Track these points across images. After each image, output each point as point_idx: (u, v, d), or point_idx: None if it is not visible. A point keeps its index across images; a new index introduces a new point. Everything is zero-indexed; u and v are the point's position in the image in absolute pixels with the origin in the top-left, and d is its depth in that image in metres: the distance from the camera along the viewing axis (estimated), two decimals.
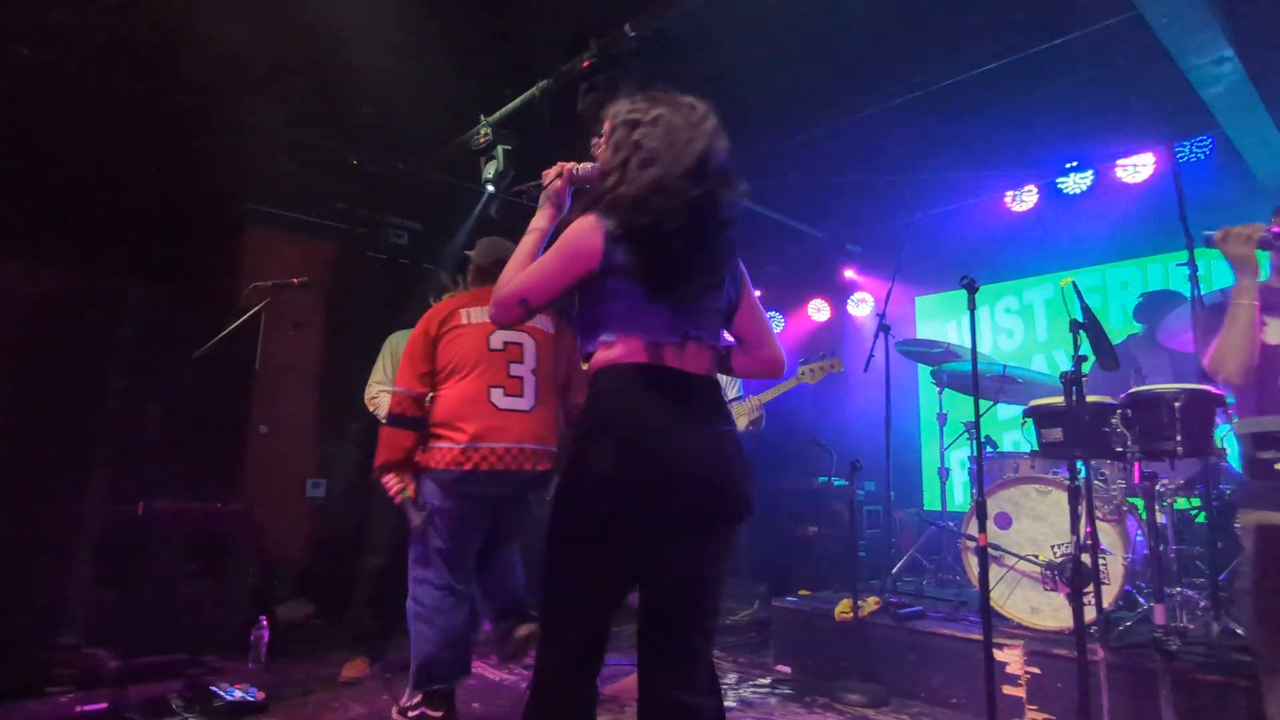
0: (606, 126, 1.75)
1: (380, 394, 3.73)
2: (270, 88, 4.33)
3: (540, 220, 1.78)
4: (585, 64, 4.01)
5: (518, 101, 4.55)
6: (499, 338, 2.84)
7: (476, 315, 2.88)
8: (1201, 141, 4.74)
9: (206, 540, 3.91)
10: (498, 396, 2.77)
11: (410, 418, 2.77)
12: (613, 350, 1.63)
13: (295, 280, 3.45)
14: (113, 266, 4.66)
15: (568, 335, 3.03)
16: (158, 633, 3.52)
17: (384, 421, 2.86)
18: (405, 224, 5.93)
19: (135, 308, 4.00)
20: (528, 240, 1.75)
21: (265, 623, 3.90)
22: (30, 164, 4.22)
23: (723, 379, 4.76)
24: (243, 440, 4.66)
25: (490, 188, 4.78)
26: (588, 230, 1.63)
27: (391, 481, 2.77)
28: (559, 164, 1.79)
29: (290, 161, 4.99)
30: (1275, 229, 2.28)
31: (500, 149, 4.70)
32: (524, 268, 1.69)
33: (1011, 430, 5.83)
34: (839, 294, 7.11)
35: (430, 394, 2.82)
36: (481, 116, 4.75)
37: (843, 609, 3.73)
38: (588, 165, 1.77)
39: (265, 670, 3.78)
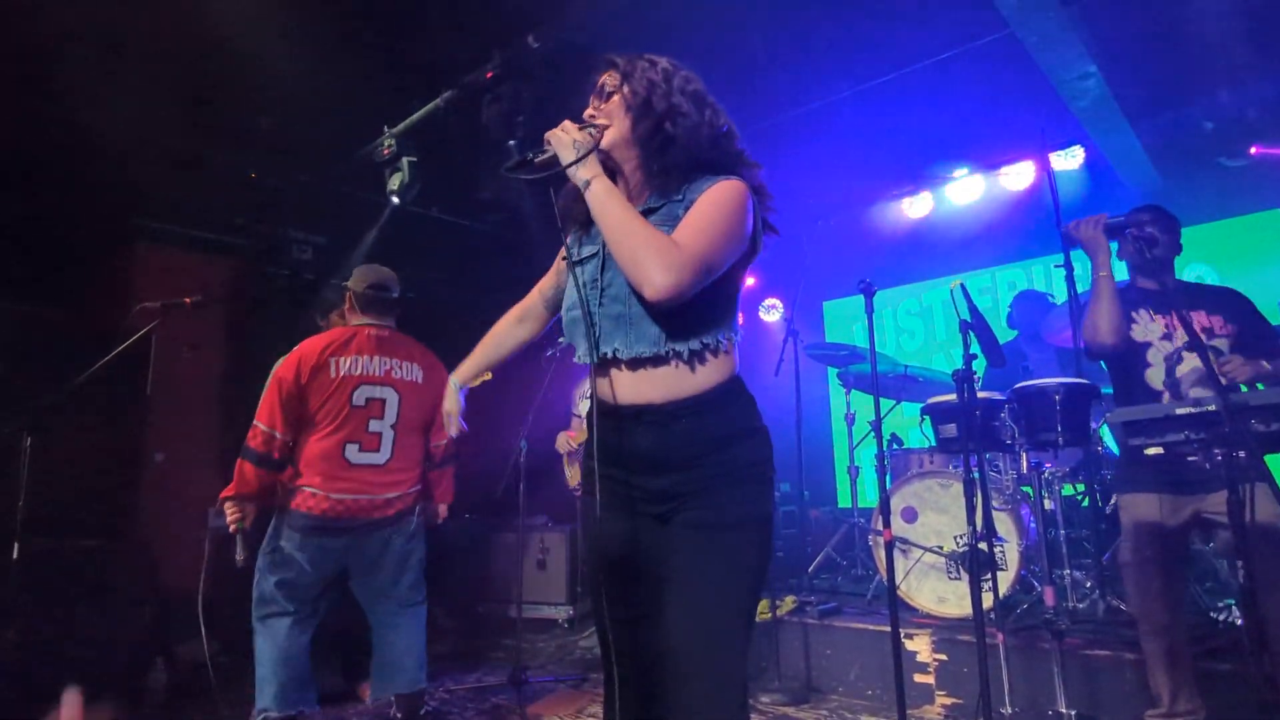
0: (608, 78, 1.61)
1: None
2: (160, 96, 4.12)
3: (592, 170, 1.49)
4: (488, 75, 3.99)
5: (422, 113, 4.47)
6: (362, 394, 2.96)
7: (345, 366, 2.95)
8: (1074, 151, 5.08)
9: (93, 579, 3.66)
10: (353, 452, 2.91)
11: (270, 458, 2.82)
12: (737, 354, 1.54)
13: (188, 300, 3.28)
14: None
15: (438, 374, 3.14)
16: (39, 682, 3.27)
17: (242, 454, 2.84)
18: (309, 238, 5.73)
19: (6, 332, 3.73)
20: (608, 192, 1.47)
21: (163, 664, 3.69)
22: None
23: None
24: (136, 470, 4.40)
25: (395, 199, 4.68)
26: (745, 192, 1.50)
27: (232, 511, 2.79)
28: (566, 123, 1.55)
29: (182, 174, 4.76)
30: (1116, 218, 2.55)
31: (405, 160, 4.61)
32: (646, 225, 1.43)
33: (916, 427, 6.08)
34: (748, 300, 7.26)
35: (290, 439, 2.87)
36: (385, 128, 4.64)
37: (760, 610, 3.80)
38: (598, 124, 1.58)
39: (163, 715, 3.57)
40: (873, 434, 3.09)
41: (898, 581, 3.54)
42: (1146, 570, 2.49)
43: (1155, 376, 2.53)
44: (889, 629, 2.65)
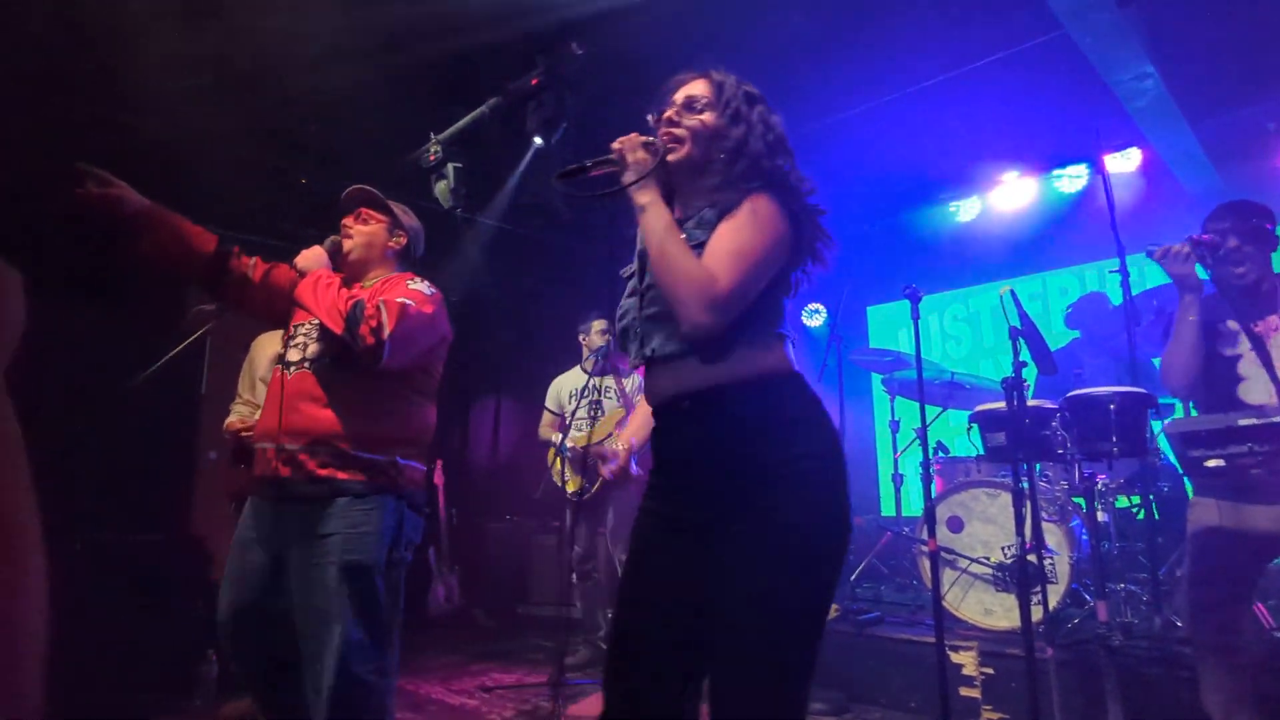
0: (705, 91, 1.57)
1: None
2: (214, 104, 4.25)
3: (650, 196, 1.48)
4: (533, 82, 4.03)
5: (467, 119, 4.53)
6: None
7: None
8: (1131, 153, 4.94)
9: (149, 574, 3.78)
10: None
11: None
12: (788, 349, 1.48)
13: None
14: (44, 289, 4.49)
15: None
16: (96, 672, 3.38)
17: None
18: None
19: (71, 334, 3.87)
20: (659, 221, 1.45)
21: (215, 658, 3.78)
22: None
23: (635, 379, 4.68)
24: (190, 468, 4.53)
25: (447, 204, 4.75)
26: (779, 209, 1.45)
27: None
28: (634, 137, 1.51)
29: (235, 180, 4.90)
30: (1201, 237, 2.37)
31: (451, 167, 4.68)
32: (689, 258, 1.40)
33: (964, 435, 5.97)
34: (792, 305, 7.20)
35: None
36: (431, 134, 4.72)
37: None
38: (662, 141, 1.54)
39: (212, 708, 3.66)
40: (918, 441, 3.04)
41: (943, 592, 3.48)
42: (1200, 584, 2.40)
43: (1250, 391, 2.41)
44: (933, 640, 2.60)
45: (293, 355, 2.14)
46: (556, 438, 4.50)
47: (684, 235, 1.47)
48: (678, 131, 1.53)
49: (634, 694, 1.43)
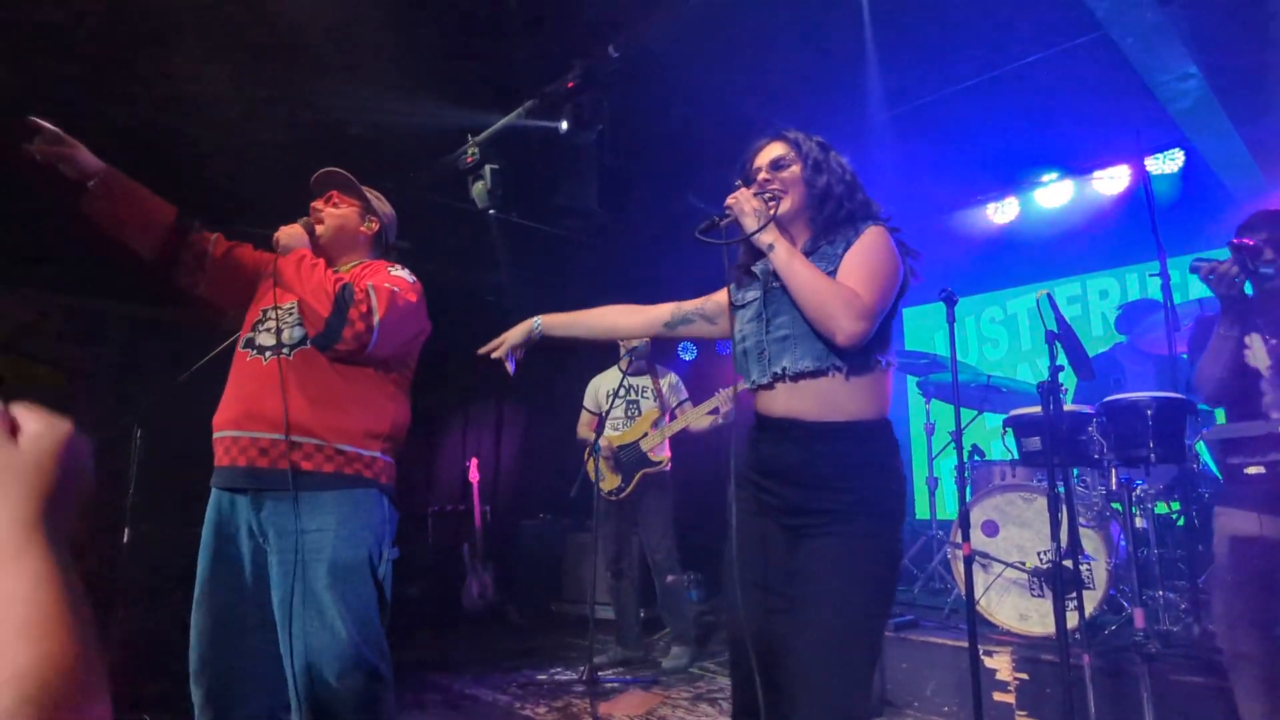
0: (785, 149, 1.81)
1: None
2: (259, 110, 4.37)
3: (773, 235, 1.71)
4: (569, 84, 4.08)
5: (504, 121, 4.61)
6: None
7: None
8: (1173, 154, 4.85)
9: (192, 566, 3.89)
10: None
11: None
12: (890, 382, 1.72)
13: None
14: (92, 289, 4.66)
15: None
16: (144, 663, 3.50)
17: None
18: (395, 242, 5.95)
19: (116, 331, 3.99)
20: (792, 254, 1.68)
21: None
22: (5, 185, 4.21)
23: (670, 379, 4.74)
24: None
25: (482, 206, 4.83)
26: (891, 240, 1.74)
27: None
28: (744, 191, 1.76)
29: (277, 182, 5.01)
30: (1244, 241, 2.31)
31: (488, 168, 4.75)
32: (829, 280, 1.64)
33: (999, 438, 5.90)
34: None
35: None
36: (469, 136, 4.80)
37: None
38: (772, 190, 1.80)
39: None
40: (953, 445, 3.02)
41: (977, 596, 3.46)
42: (1238, 593, 2.36)
43: (1272, 405, 2.37)
44: (967, 645, 2.59)
45: (264, 340, 1.97)
46: (592, 436, 4.55)
47: None
48: (775, 187, 1.79)
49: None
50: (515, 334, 2.08)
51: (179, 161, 4.46)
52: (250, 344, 1.98)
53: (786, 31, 3.79)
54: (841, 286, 1.62)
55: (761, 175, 1.81)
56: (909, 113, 4.46)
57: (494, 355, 2.09)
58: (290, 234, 2.03)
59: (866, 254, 1.68)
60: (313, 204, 2.21)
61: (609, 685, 3.86)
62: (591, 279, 6.49)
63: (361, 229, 2.24)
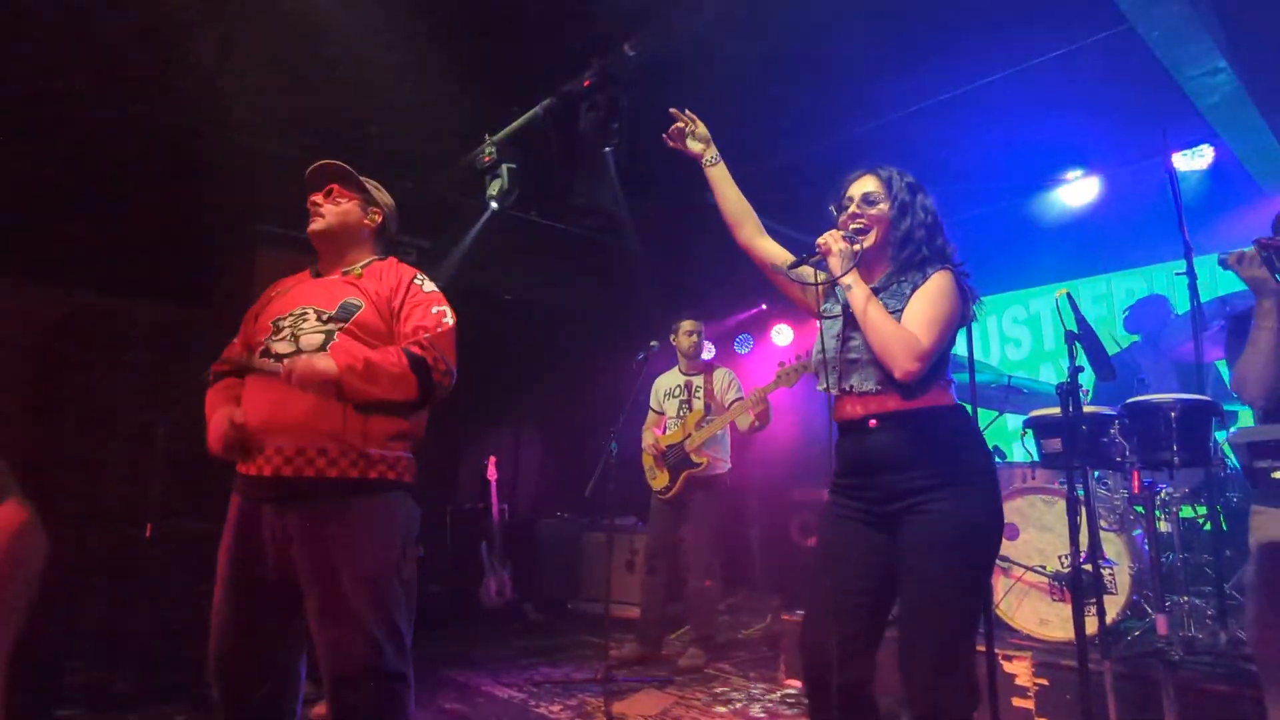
0: (877, 186, 1.96)
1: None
2: (277, 108, 4.41)
3: (853, 278, 1.88)
4: (585, 83, 4.08)
5: (521, 120, 4.62)
6: None
7: None
8: (1202, 150, 4.75)
9: (211, 560, 3.94)
10: None
11: None
12: (952, 389, 1.93)
13: None
14: (121, 288, 4.74)
15: None
16: (168, 654, 3.55)
17: None
18: (414, 241, 5.99)
19: (145, 329, 4.05)
20: (868, 298, 1.86)
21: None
22: (38, 186, 4.29)
23: (724, 378, 4.76)
24: None
25: (494, 204, 4.84)
26: (956, 285, 1.88)
27: None
28: (834, 234, 1.92)
29: (300, 184, 5.06)
30: (1273, 240, 2.24)
31: (505, 167, 4.77)
32: (895, 323, 1.82)
33: (1019, 440, 5.82)
34: None
35: None
36: (486, 135, 4.82)
37: None
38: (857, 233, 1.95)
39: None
40: None
41: (996, 600, 3.41)
42: (1267, 596, 2.30)
43: None
44: (984, 649, 2.55)
45: (281, 348, 1.92)
46: (650, 436, 4.62)
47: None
48: (862, 223, 1.95)
49: (834, 661, 1.86)
50: (699, 136, 2.16)
51: (213, 170, 4.53)
52: (266, 354, 1.94)
53: (802, 32, 3.76)
54: (904, 331, 1.79)
55: (852, 208, 1.97)
56: (931, 109, 4.40)
57: (672, 144, 2.18)
58: (317, 367, 1.82)
59: (932, 299, 1.84)
60: (311, 198, 2.17)
61: (624, 684, 3.86)
62: (609, 277, 6.50)
63: (365, 222, 2.20)
